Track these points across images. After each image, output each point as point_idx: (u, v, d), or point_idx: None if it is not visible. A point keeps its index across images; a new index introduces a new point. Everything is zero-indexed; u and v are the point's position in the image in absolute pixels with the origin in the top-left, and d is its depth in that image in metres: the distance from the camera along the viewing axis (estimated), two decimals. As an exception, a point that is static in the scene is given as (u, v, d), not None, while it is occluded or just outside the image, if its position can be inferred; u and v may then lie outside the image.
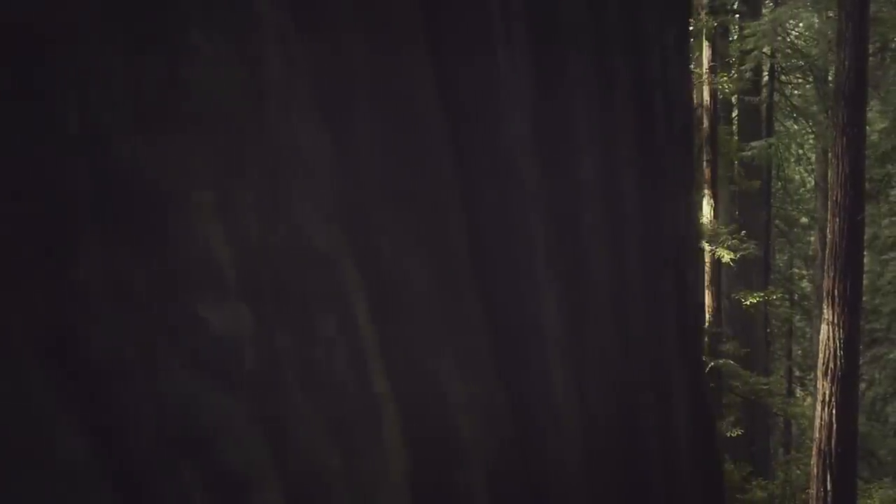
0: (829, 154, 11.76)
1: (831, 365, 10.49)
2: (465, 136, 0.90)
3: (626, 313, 1.19)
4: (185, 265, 0.61)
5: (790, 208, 18.82)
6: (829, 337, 10.48)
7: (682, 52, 1.32)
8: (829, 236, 10.64)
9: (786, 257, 19.56)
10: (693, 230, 1.34)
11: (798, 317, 18.68)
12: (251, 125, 0.68)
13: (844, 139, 10.32)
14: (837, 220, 10.40)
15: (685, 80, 1.32)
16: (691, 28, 15.23)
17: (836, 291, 10.40)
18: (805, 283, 19.48)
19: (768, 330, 17.34)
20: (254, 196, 0.67)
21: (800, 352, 19.04)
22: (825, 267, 10.92)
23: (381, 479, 0.73)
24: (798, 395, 17.95)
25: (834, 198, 10.55)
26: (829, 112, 12.43)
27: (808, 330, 18.10)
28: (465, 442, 0.86)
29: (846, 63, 10.31)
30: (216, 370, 0.61)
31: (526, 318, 0.96)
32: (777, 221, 18.14)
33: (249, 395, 0.63)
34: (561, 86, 1.03)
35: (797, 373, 18.54)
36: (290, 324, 0.68)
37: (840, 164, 10.37)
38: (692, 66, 16.13)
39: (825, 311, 10.64)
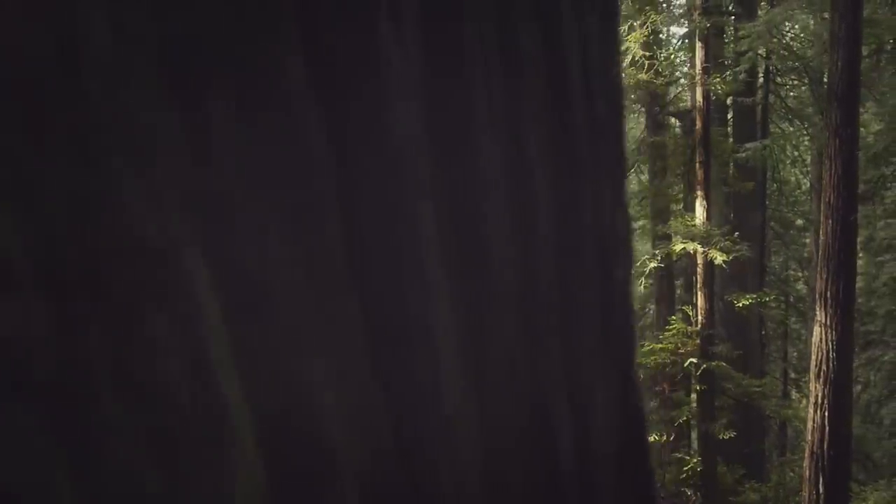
0: (823, 155, 11.72)
1: (824, 367, 10.45)
2: (341, 120, 0.84)
3: (537, 314, 1.13)
4: (-36, 258, 0.55)
5: (786, 210, 18.77)
6: (821, 339, 10.44)
7: (608, 37, 1.26)
8: (821, 238, 10.60)
9: (781, 259, 19.50)
10: (622, 224, 1.28)
11: (793, 319, 18.62)
12: (65, 99, 0.62)
13: (837, 140, 10.29)
14: (830, 221, 10.36)
15: (611, 66, 1.26)
16: (687, 28, 15.17)
17: (828, 293, 10.36)
18: (800, 286, 19.42)
19: (763, 332, 17.28)
20: (64, 180, 0.61)
21: (795, 354, 18.98)
22: (818, 269, 10.87)
23: (220, 499, 0.67)
24: (794, 398, 17.89)
25: (827, 199, 10.52)
26: (824, 113, 12.39)
27: (803, 332, 18.04)
28: (336, 455, 0.80)
29: (839, 64, 10.28)
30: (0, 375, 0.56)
31: (410, 318, 0.90)
32: (772, 223, 18.08)
33: (45, 404, 0.58)
34: (457, 65, 0.97)
35: (793, 375, 18.48)
36: (106, 324, 0.62)
37: (833, 165, 10.34)
38: (691, 66, 16.06)
39: (818, 312, 10.61)
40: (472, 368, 1.00)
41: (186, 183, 0.71)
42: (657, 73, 13.46)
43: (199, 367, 0.68)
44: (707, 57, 12.96)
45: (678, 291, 16.75)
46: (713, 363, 12.55)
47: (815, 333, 10.66)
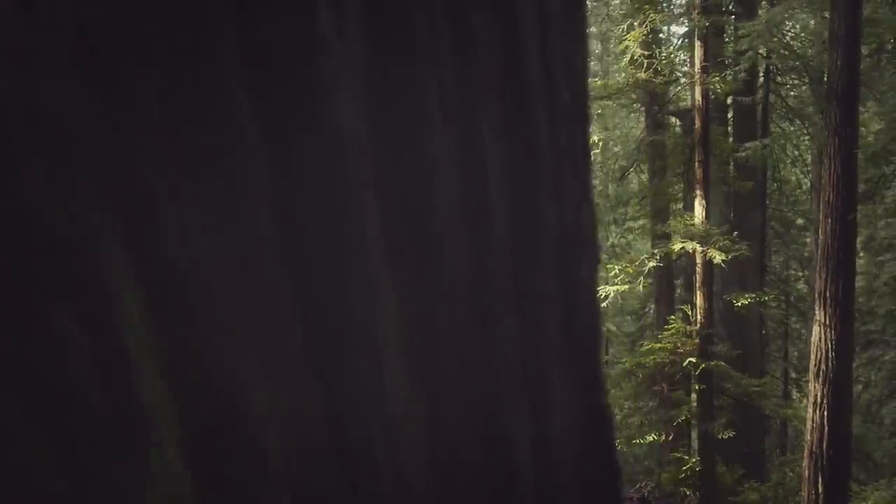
0: (823, 154, 11.70)
1: (823, 367, 10.43)
2: (277, 108, 0.82)
3: (493, 313, 1.10)
4: None
5: (786, 209, 18.75)
6: (820, 339, 10.43)
7: (572, 20, 1.22)
8: (820, 237, 10.59)
9: (782, 259, 19.48)
10: (587, 219, 1.25)
11: (794, 318, 18.61)
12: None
13: (836, 139, 10.28)
14: (829, 220, 10.35)
15: (575, 50, 1.23)
16: (687, 27, 15.14)
17: (827, 293, 10.34)
18: (801, 285, 19.39)
19: (763, 332, 17.26)
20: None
21: (796, 354, 18.96)
22: (817, 268, 10.86)
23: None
24: (794, 398, 17.88)
25: (826, 198, 10.50)
26: (823, 113, 12.36)
27: (804, 332, 18.02)
28: (269, 457, 0.77)
29: (839, 63, 10.27)
30: None
31: (353, 315, 0.87)
32: (773, 223, 18.06)
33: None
34: (405, 53, 0.94)
35: (793, 375, 18.46)
36: (4, 320, 0.60)
37: (832, 164, 10.33)
38: (691, 65, 16.03)
39: (817, 312, 10.59)
40: (421, 368, 0.97)
41: (105, 172, 0.69)
42: (656, 73, 13.44)
43: (112, 367, 0.66)
44: (706, 56, 12.94)
45: (678, 291, 16.73)
46: (712, 363, 12.53)
47: (814, 333, 10.65)
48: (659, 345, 12.72)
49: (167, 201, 0.73)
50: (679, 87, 15.87)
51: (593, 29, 21.08)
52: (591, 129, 1.25)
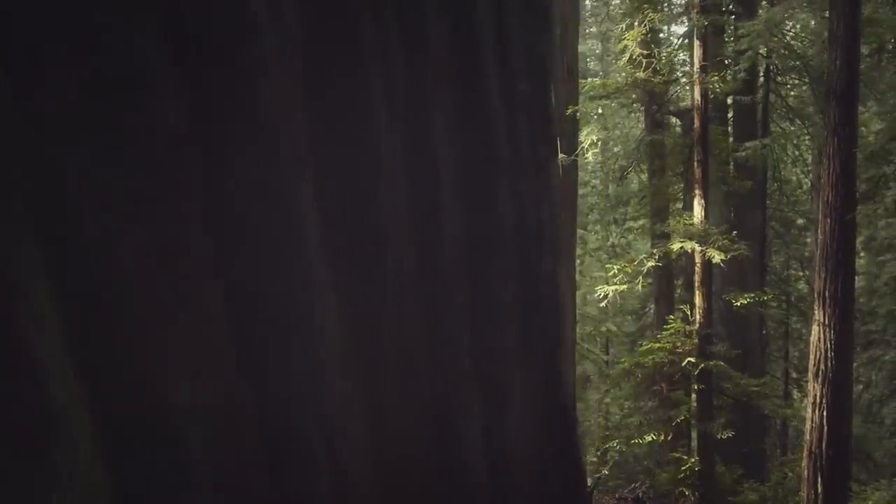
0: (822, 154, 11.66)
1: (822, 367, 10.39)
2: (206, 87, 0.80)
3: (443, 308, 1.09)
4: None
5: (786, 209, 18.70)
6: (820, 338, 10.39)
7: (533, 11, 1.21)
8: (820, 237, 10.55)
9: (782, 259, 19.43)
10: (549, 212, 1.23)
11: (795, 318, 18.56)
12: None
13: (835, 139, 10.24)
14: (829, 220, 10.31)
15: (536, 41, 1.21)
16: (687, 26, 15.10)
17: (826, 293, 10.30)
18: (802, 285, 19.35)
19: (763, 331, 17.22)
20: None
21: (797, 354, 18.91)
22: (817, 268, 10.81)
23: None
24: (795, 398, 17.83)
25: (825, 198, 10.46)
26: (823, 112, 12.32)
27: (805, 332, 17.99)
28: (194, 456, 0.76)
29: (838, 63, 10.23)
30: None
31: (290, 313, 0.86)
32: (773, 223, 18.02)
33: None
34: (346, 38, 0.93)
35: (794, 375, 18.41)
36: None
37: (831, 164, 10.29)
38: (691, 65, 15.98)
39: (816, 312, 10.55)
40: (363, 368, 0.96)
41: (15, 154, 0.67)
42: (655, 72, 13.40)
43: (13, 364, 0.64)
44: (706, 56, 12.89)
45: (678, 291, 16.70)
46: (711, 362, 12.49)
47: (813, 333, 10.61)
48: (658, 345, 12.69)
49: (83, 190, 0.71)
50: (678, 87, 15.82)
51: (593, 29, 21.06)
52: (555, 118, 1.22)
